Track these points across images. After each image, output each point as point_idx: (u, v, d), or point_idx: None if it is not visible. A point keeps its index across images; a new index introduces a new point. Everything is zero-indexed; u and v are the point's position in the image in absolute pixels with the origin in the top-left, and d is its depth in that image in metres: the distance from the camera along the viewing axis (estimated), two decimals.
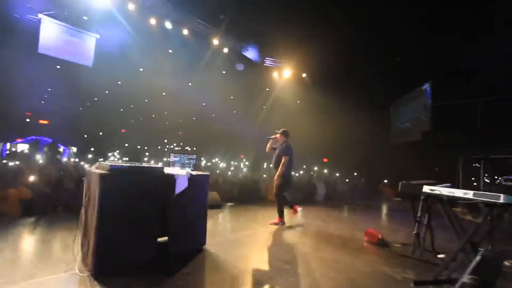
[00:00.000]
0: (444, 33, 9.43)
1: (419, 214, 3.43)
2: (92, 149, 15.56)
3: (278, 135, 5.22)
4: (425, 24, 9.39)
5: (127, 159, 11.79)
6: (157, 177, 2.90)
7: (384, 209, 8.02)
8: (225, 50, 10.15)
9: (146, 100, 17.73)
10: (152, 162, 10.63)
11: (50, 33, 10.43)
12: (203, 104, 17.00)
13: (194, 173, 3.22)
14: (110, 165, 2.55)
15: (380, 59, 10.72)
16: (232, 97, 15.03)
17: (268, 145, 5.31)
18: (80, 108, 18.18)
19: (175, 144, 23.36)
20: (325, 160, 15.57)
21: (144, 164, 3.02)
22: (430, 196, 3.19)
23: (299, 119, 13.28)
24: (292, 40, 10.48)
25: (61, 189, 5.62)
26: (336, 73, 11.83)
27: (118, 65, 12.08)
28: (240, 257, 3.16)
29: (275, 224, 4.85)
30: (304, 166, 12.68)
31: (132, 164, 2.78)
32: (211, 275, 2.72)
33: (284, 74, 12.57)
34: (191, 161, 3.45)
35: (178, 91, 13.97)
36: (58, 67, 12.55)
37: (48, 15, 10.10)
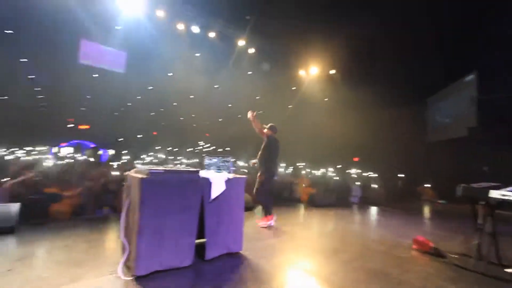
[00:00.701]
0: (490, 16, 8.49)
1: (480, 221, 3.03)
2: (126, 151, 16.37)
3: (266, 130, 5.00)
4: (467, 7, 8.51)
5: (161, 162, 12.21)
6: (194, 180, 2.86)
7: (428, 213, 7.40)
8: (251, 50, 10.09)
9: (175, 104, 18.28)
10: (182, 164, 10.88)
11: (88, 43, 11.14)
12: (229, 105, 17.17)
13: (230, 176, 3.13)
14: (149, 169, 2.55)
15: (415, 50, 9.96)
16: (258, 97, 14.97)
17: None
18: (116, 113, 19.23)
19: (203, 145, 23.91)
20: (355, 159, 14.92)
21: (180, 168, 2.99)
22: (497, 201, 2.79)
23: (327, 118, 12.84)
24: (318, 36, 10.14)
25: (105, 190, 5.91)
26: (366, 68, 11.24)
27: (149, 71, 12.56)
28: (278, 266, 3.00)
29: (263, 225, 4.66)
30: (338, 166, 12.22)
31: (169, 168, 2.76)
32: (249, 284, 2.60)
33: (311, 71, 12.21)
34: (227, 164, 3.37)
35: (205, 93, 14.20)
36: (95, 75, 13.35)
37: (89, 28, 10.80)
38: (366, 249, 3.69)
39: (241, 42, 9.64)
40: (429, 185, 9.95)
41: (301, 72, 12.53)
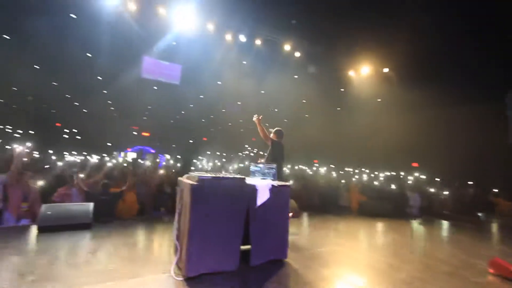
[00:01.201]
0: None
1: None
2: (179, 156, 17.65)
3: (272, 135, 4.86)
4: None
5: (211, 167, 12.87)
6: (240, 187, 2.94)
7: (506, 230, 6.25)
8: (297, 54, 10.01)
9: (223, 110, 19.14)
10: (230, 170, 11.27)
11: (148, 60, 12.48)
12: (275, 110, 17.29)
13: (275, 183, 3.13)
14: (199, 176, 2.71)
15: (491, 39, 8.61)
16: (304, 100, 14.74)
17: (263, 130, 4.90)
18: (171, 121, 20.98)
19: (249, 149, 24.46)
20: (415, 164, 13.52)
21: (228, 174, 3.10)
22: None
23: (380, 119, 11.94)
24: (369, 34, 9.54)
25: (161, 192, 6.47)
26: (426, 63, 10.13)
27: (200, 81, 13.43)
28: (325, 278, 2.87)
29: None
30: (393, 173, 11.24)
31: (217, 175, 2.89)
32: None
33: (362, 71, 11.54)
34: (272, 171, 3.38)
35: (251, 99, 14.55)
36: (155, 88, 14.82)
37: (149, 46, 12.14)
38: (426, 268, 3.29)
39: (286, 47, 9.66)
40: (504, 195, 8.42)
41: (351, 73, 11.94)
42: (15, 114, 14.31)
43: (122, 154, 19.69)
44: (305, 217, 6.20)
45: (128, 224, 4.78)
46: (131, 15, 8.02)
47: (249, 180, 3.11)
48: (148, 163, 11.37)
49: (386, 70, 11.67)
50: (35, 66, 11.99)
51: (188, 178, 2.95)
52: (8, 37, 9.83)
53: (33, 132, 15.48)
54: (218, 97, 15.44)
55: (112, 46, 11.32)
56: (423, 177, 10.51)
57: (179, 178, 3.13)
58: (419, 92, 9.92)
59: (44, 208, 4.01)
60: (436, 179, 10.14)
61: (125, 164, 10.01)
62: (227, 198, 2.84)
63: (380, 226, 5.75)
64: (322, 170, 13.19)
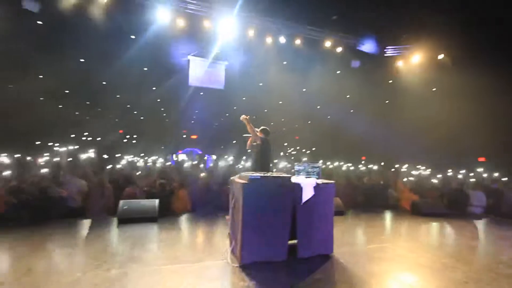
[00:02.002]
0: None
1: None
2: (226, 157, 18.54)
3: (258, 133, 4.78)
4: None
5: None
6: (286, 185, 3.19)
7: None
8: (339, 49, 9.83)
9: (266, 110, 19.54)
10: (274, 169, 11.55)
11: (195, 68, 13.47)
12: (318, 107, 17.05)
13: (319, 181, 3.31)
14: (249, 176, 3.04)
15: None
16: (348, 96, 14.28)
17: (248, 143, 4.85)
18: (216, 124, 22.14)
19: (292, 148, 24.50)
20: (481, 159, 12.08)
21: (274, 174, 3.38)
22: None
23: (435, 110, 10.96)
24: (419, 19, 8.88)
25: (209, 190, 7.08)
26: (493, 42, 8.98)
27: (243, 83, 14.01)
28: (373, 274, 2.95)
29: None
30: (450, 170, 10.29)
31: (265, 175, 3.19)
32: (341, 287, 2.69)
33: (412, 60, 10.76)
34: (316, 170, 3.56)
35: (293, 98, 14.64)
36: (201, 93, 15.90)
37: (193, 55, 13.14)
38: (486, 270, 3.11)
39: (327, 43, 9.57)
40: None
41: (399, 63, 11.21)
42: (88, 123, 16.75)
43: (174, 156, 21.54)
44: (350, 215, 6.16)
45: (184, 218, 5.40)
46: (179, 30, 8.85)
47: (295, 179, 3.34)
48: (194, 163, 12.34)
49: (441, 56, 10.67)
50: (103, 82, 13.91)
51: (239, 177, 3.32)
52: (82, 60, 11.63)
53: (99, 139, 17.95)
54: (260, 98, 15.87)
55: (163, 60, 12.56)
56: (490, 174, 9.39)
57: (231, 178, 3.51)
58: (484, 78, 8.85)
59: (122, 204, 4.80)
60: (505, 175, 8.98)
61: (168, 164, 11.04)
62: (274, 195, 3.12)
63: (434, 225, 5.43)
64: (369, 167, 12.65)
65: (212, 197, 6.93)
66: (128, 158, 13.57)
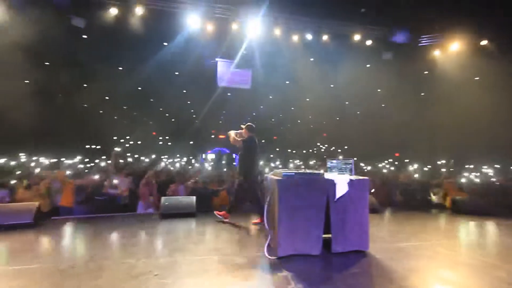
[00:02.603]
0: None
1: None
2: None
3: (243, 130, 4.76)
4: None
5: (284, 164, 13.41)
6: (319, 181, 3.28)
7: None
8: (368, 42, 9.54)
9: (293, 108, 19.47)
10: (303, 167, 11.55)
11: (222, 70, 13.88)
12: (347, 103, 16.63)
13: (353, 178, 3.34)
14: (283, 172, 3.17)
15: None
16: (379, 90, 13.77)
17: (232, 137, 4.84)
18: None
19: (320, 145, 24.12)
20: None
21: (308, 170, 3.48)
22: None
23: (480, 102, 10.15)
24: (457, 2, 8.32)
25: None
26: None
27: (269, 82, 14.13)
28: (411, 270, 2.93)
29: (258, 223, 4.57)
30: (498, 166, 9.51)
31: (299, 171, 3.30)
32: (379, 281, 2.72)
33: (451, 48, 10.09)
34: (348, 166, 3.59)
35: (321, 95, 14.45)
36: (229, 94, 16.32)
37: (221, 57, 13.55)
38: None
39: (356, 37, 9.33)
40: None
41: (436, 52, 10.56)
42: (126, 127, 17.99)
43: (204, 155, 22.33)
44: (387, 213, 6.02)
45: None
46: (208, 34, 9.22)
47: (328, 175, 3.40)
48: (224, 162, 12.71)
49: (484, 42, 9.87)
50: (138, 88, 14.89)
51: (274, 174, 3.46)
52: (120, 68, 12.58)
53: (140, 142, 19.19)
54: (286, 96, 15.90)
55: (193, 64, 13.11)
56: None
57: (266, 174, 3.67)
58: None
59: (164, 200, 5.19)
60: None
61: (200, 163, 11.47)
62: (308, 191, 3.22)
63: (477, 224, 5.12)
64: (406, 164, 12.09)
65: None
66: (164, 158, 14.43)
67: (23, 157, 10.01)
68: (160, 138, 22.12)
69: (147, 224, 4.80)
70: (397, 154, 16.53)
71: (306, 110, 18.38)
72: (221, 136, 24.61)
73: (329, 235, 3.32)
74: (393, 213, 6.08)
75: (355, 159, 3.79)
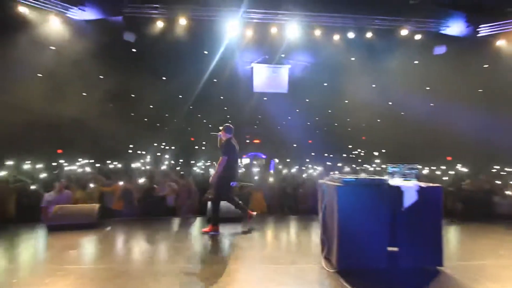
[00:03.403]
0: None
1: None
2: (288, 160, 18.48)
3: (221, 132, 4.49)
4: None
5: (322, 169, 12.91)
6: (382, 188, 2.98)
7: None
8: (417, 36, 8.82)
9: (330, 111, 18.82)
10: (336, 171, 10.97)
11: (258, 75, 13.93)
12: (390, 103, 15.56)
13: (423, 185, 2.98)
14: (342, 178, 2.94)
15: None
16: (428, 88, 12.63)
17: (219, 141, 4.56)
18: (278, 127, 22.33)
19: (359, 150, 22.91)
20: None
21: (370, 176, 3.20)
22: None
23: None
24: None
25: (285, 193, 7.15)
26: None
27: (307, 85, 13.85)
28: None
29: (206, 233, 4.20)
30: None
31: (359, 177, 3.04)
32: None
33: None
34: (413, 171, 3.23)
35: (360, 95, 13.73)
36: (265, 98, 16.33)
37: (257, 63, 13.62)
38: None
39: (403, 32, 8.68)
40: None
41: (499, 42, 9.37)
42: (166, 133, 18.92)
43: (239, 160, 22.51)
44: (450, 224, 5.37)
45: (262, 220, 5.53)
46: (245, 40, 9.32)
47: (392, 181, 3.09)
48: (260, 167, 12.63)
49: None
50: (179, 96, 15.62)
51: (331, 179, 3.24)
52: (164, 78, 13.29)
53: (174, 147, 20.02)
54: (324, 98, 15.41)
55: (230, 70, 13.37)
56: None
57: (320, 180, 3.46)
58: None
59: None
60: None
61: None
62: (371, 198, 2.94)
63: None
64: (459, 169, 10.84)
65: (288, 201, 7.02)
66: (202, 162, 14.83)
67: (81, 163, 10.99)
68: (197, 143, 22.76)
69: (195, 228, 4.85)
70: (449, 158, 14.99)
71: (344, 112, 17.62)
72: (256, 141, 24.71)
73: (396, 248, 2.99)
74: (457, 224, 5.40)
75: (405, 164, 3.40)
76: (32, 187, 5.73)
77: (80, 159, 10.36)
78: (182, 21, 8.05)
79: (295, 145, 22.04)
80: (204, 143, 22.66)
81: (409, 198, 2.92)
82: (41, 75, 8.37)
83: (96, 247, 3.97)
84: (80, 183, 6.18)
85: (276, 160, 22.47)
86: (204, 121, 21.28)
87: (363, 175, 3.43)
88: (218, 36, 9.05)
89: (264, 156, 24.49)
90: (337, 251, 2.93)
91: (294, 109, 18.28)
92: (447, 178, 7.99)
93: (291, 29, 8.40)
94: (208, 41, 9.54)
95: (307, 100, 16.61)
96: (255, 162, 18.08)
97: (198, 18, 8.35)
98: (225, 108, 18.33)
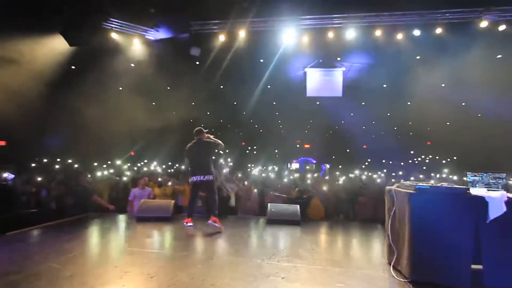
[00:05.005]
0: None
1: None
2: (340, 166, 17.77)
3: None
4: None
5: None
6: (463, 198, 2.78)
7: None
8: (502, 27, 7.72)
9: (388, 114, 17.57)
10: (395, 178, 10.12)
11: (312, 79, 13.84)
12: (463, 104, 13.78)
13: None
14: (416, 185, 2.85)
15: None
16: None
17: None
18: (330, 132, 21.68)
19: (423, 156, 20.74)
20: None
21: (446, 184, 3.02)
22: None
23: None
24: None
25: (339, 199, 7.02)
26: None
27: (364, 88, 13.25)
28: None
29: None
30: None
31: (435, 185, 2.90)
32: None
33: None
34: (500, 181, 2.93)
35: (426, 96, 12.54)
36: (317, 103, 16.11)
37: (310, 67, 13.56)
38: None
39: (483, 23, 7.71)
40: None
41: None
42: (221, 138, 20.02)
43: (288, 165, 22.51)
44: None
45: (320, 225, 5.56)
46: (299, 46, 9.45)
47: (475, 191, 2.86)
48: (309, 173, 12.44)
49: None
50: (234, 102, 16.48)
51: (401, 186, 3.15)
52: (221, 86, 14.22)
53: (228, 151, 20.96)
54: (383, 101, 14.50)
55: (283, 76, 13.61)
56: None
57: (388, 187, 3.39)
58: None
59: (270, 206, 5.46)
60: None
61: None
62: (448, 208, 2.78)
63: None
64: None
65: (343, 207, 6.89)
66: (252, 166, 15.31)
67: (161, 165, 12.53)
68: (249, 147, 23.52)
69: (255, 228, 5.13)
70: None
71: (405, 115, 16.23)
72: (306, 146, 24.40)
73: (480, 266, 2.75)
74: None
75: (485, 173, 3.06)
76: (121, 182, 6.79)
77: (152, 161, 11.81)
78: (242, 33, 8.58)
79: (348, 151, 21.11)
80: (255, 147, 23.35)
81: (495, 210, 2.67)
82: (123, 90, 9.86)
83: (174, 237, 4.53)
84: (156, 181, 7.10)
85: (328, 166, 21.83)
86: (256, 126, 21.94)
87: (431, 183, 3.22)
88: (274, 44, 9.38)
89: (314, 161, 24.01)
90: (410, 261, 2.83)
91: (348, 113, 17.60)
92: None
93: (348, 32, 8.21)
94: (265, 50, 9.96)
95: (363, 103, 15.83)
96: (308, 167, 17.89)
97: (257, 29, 8.79)
98: (277, 113, 18.62)
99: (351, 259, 3.55)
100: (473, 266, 2.78)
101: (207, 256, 3.47)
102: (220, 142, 5.00)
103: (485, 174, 3.11)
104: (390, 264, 3.17)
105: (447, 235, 2.74)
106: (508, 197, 2.70)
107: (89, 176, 6.47)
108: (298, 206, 5.46)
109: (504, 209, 2.67)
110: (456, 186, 2.97)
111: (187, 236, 4.48)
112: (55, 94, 7.66)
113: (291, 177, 9.46)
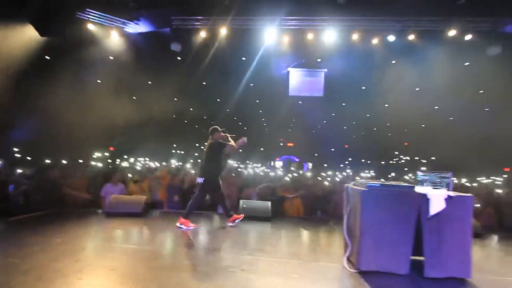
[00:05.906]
0: None
1: None
2: (326, 164, 18.18)
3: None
4: None
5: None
6: (408, 195, 3.02)
7: None
8: (468, 37, 8.20)
9: (368, 115, 18.13)
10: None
11: (294, 79, 14.08)
12: (436, 107, 14.49)
13: (452, 194, 2.95)
14: (367, 183, 3.05)
15: None
16: (481, 91, 11.56)
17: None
18: (313, 131, 22.07)
19: (401, 156, 21.54)
20: None
21: (395, 182, 3.25)
22: None
23: None
24: None
25: (317, 197, 7.23)
26: None
27: (343, 89, 13.61)
28: None
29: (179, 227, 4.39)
30: None
31: (385, 183, 3.12)
32: None
33: None
34: (445, 180, 3.19)
35: (402, 99, 13.07)
36: (300, 102, 16.38)
37: (293, 67, 13.78)
38: None
39: (451, 32, 8.14)
40: None
41: None
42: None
43: (272, 163, 22.77)
44: (493, 239, 4.99)
45: (294, 221, 5.74)
46: (282, 46, 9.59)
47: (419, 189, 3.10)
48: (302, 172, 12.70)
49: None
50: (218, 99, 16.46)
51: (356, 184, 3.36)
52: (204, 83, 14.15)
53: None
54: (362, 102, 14.96)
55: (266, 75, 13.72)
56: None
57: (346, 185, 3.59)
58: None
59: (242, 203, 5.58)
60: None
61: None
62: (395, 204, 3.00)
63: None
64: None
65: (321, 204, 7.10)
66: (234, 163, 15.39)
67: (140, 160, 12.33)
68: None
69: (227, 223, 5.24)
70: (507, 169, 13.44)
71: (383, 116, 16.84)
72: (289, 144, 24.70)
73: (422, 257, 3.00)
74: (502, 240, 5.00)
75: (450, 173, 3.33)
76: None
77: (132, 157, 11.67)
78: (223, 30, 8.61)
79: (333, 150, 21.60)
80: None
81: (436, 206, 2.91)
82: (101, 83, 9.65)
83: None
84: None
85: (310, 164, 22.25)
86: (240, 123, 21.98)
87: (400, 182, 3.44)
88: (256, 43, 9.46)
89: (297, 160, 24.38)
90: (359, 252, 3.04)
91: (329, 113, 18.02)
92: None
93: (328, 34, 8.44)
94: (246, 48, 10.02)
95: (344, 104, 16.26)
96: (292, 168, 18.15)
97: (238, 27, 8.83)
98: (260, 111, 18.75)
99: (311, 253, 3.74)
100: (418, 258, 3.05)
101: (171, 250, 3.55)
102: (229, 143, 4.82)
103: (432, 174, 3.36)
104: (345, 257, 3.37)
105: (392, 228, 2.98)
106: (448, 195, 2.95)
107: (58, 170, 6.31)
108: (269, 203, 5.60)
109: (444, 205, 2.92)
110: (403, 184, 3.19)
111: (155, 232, 4.53)
112: (25, 85, 7.39)
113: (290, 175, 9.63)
